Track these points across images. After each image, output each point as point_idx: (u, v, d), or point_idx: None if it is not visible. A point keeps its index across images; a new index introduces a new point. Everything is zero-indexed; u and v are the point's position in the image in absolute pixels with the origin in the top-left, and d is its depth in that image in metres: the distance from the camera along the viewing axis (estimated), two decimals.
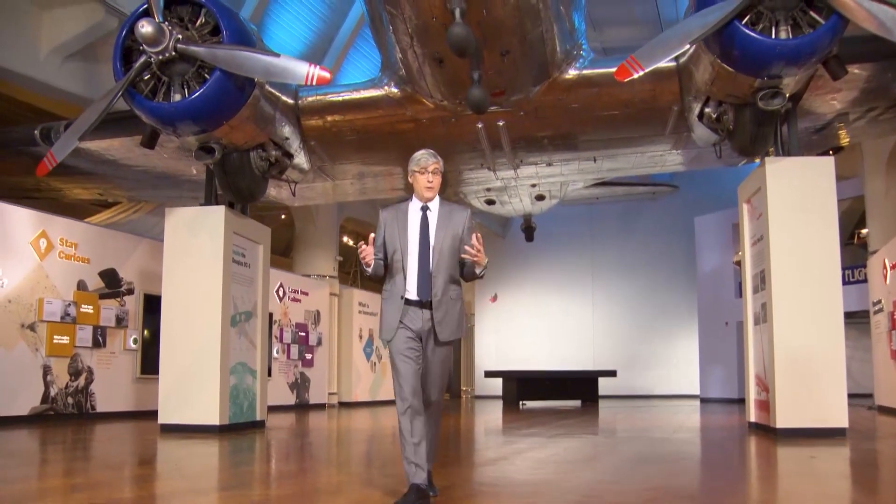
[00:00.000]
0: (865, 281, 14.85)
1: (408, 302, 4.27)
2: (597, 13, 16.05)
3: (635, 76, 7.39)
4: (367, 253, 4.23)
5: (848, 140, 11.00)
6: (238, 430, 9.52)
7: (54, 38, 11.75)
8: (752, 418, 9.30)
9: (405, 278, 4.28)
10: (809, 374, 8.16)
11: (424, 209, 4.39)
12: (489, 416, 14.48)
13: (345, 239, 22.64)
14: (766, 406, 8.76)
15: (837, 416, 8.11)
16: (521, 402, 18.59)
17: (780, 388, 8.24)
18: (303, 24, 15.37)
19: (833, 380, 8.15)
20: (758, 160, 10.70)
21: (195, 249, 9.46)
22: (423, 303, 4.26)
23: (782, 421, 8.17)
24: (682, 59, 8.81)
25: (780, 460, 6.73)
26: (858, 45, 8.15)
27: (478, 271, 4.32)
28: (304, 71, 7.52)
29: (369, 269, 4.32)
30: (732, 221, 20.36)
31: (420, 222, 4.35)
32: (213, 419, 9.09)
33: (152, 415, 10.56)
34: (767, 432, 8.52)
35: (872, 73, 8.79)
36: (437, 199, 4.41)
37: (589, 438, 9.48)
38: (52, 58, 11.83)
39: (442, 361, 4.37)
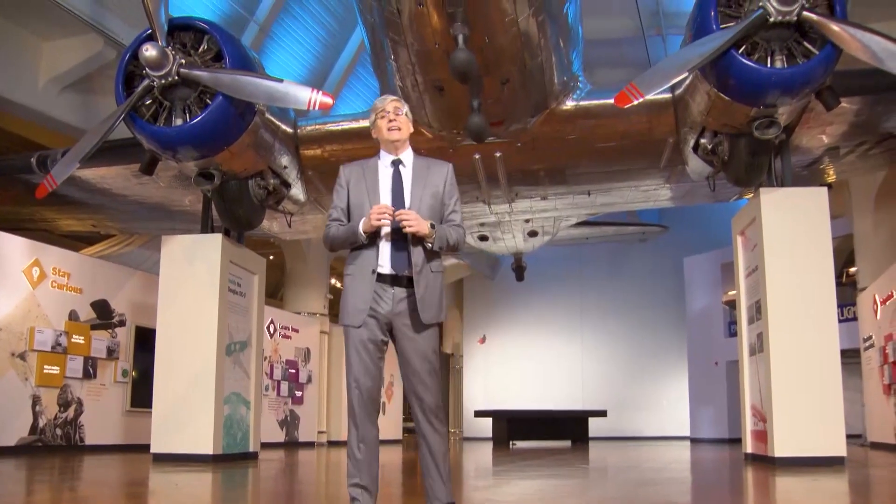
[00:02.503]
0: (854, 319, 14.93)
1: (380, 278, 3.55)
2: (586, 54, 16.33)
3: (635, 102, 7.48)
4: (384, 213, 3.46)
5: (835, 177, 11.18)
6: (231, 460, 9.38)
7: (53, 68, 11.84)
8: (749, 449, 9.25)
9: (377, 248, 3.56)
10: (807, 403, 8.15)
11: (396, 163, 3.70)
12: (480, 453, 14.35)
13: (332, 281, 22.61)
14: (762, 436, 8.73)
15: (836, 444, 8.07)
16: (511, 442, 18.47)
17: (778, 417, 8.21)
18: (298, 61, 15.54)
19: (831, 407, 8.13)
20: (748, 196, 10.87)
21: (191, 277, 9.41)
22: (398, 278, 3.55)
23: (780, 450, 8.12)
24: (678, 91, 8.95)
25: (782, 482, 6.70)
26: (848, 79, 8.33)
27: (428, 244, 3.55)
28: (307, 96, 7.57)
29: (365, 237, 3.54)
30: (721, 261, 20.57)
31: (392, 178, 3.67)
32: (207, 449, 8.95)
33: (142, 448, 10.37)
34: (765, 462, 8.48)
35: (862, 106, 8.96)
36: (409, 152, 3.76)
37: (587, 468, 9.42)
38: (50, 88, 11.90)
39: (426, 351, 3.57)
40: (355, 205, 3.65)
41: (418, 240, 3.54)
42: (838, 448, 8.05)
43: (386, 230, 3.55)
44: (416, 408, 3.58)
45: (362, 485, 3.51)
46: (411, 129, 3.76)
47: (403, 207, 3.58)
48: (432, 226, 3.54)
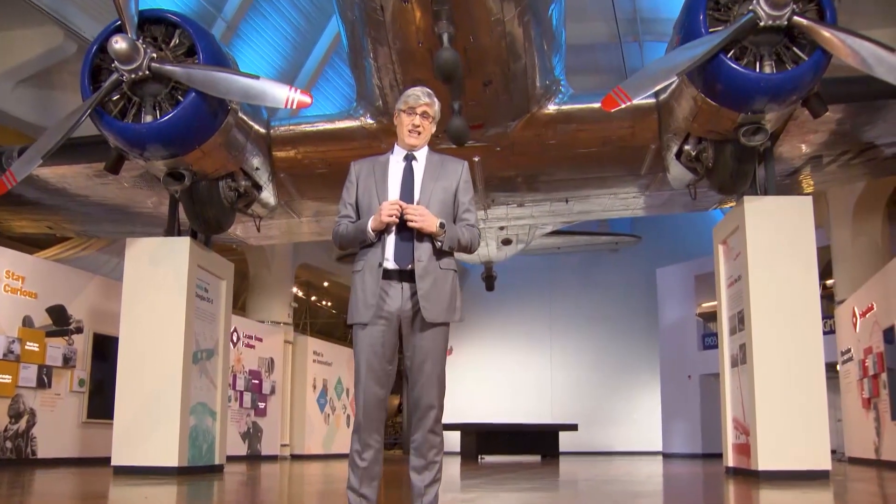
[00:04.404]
0: (832, 332, 15.16)
1: (386, 274, 3.51)
2: None
3: (622, 106, 7.52)
4: (395, 209, 3.43)
5: (815, 187, 11.34)
6: (196, 473, 9.22)
7: (7, 60, 11.59)
8: (730, 463, 9.29)
9: (383, 242, 3.52)
10: (792, 415, 8.20)
11: (409, 158, 3.69)
12: (449, 468, 14.26)
13: (293, 289, 22.46)
14: (745, 449, 8.79)
15: (820, 457, 8.13)
16: (479, 456, 18.42)
17: (762, 430, 8.24)
18: (265, 61, 15.44)
19: (815, 420, 8.20)
20: (730, 204, 10.97)
21: (157, 282, 9.22)
22: (404, 273, 3.51)
23: (764, 463, 8.15)
24: (663, 96, 9.02)
25: (770, 496, 6.73)
26: (833, 87, 8.43)
27: (438, 242, 3.52)
28: (285, 95, 7.47)
29: (374, 236, 3.50)
30: (695, 273, 20.78)
31: (403, 172, 3.65)
32: (172, 461, 8.77)
33: (98, 461, 10.14)
34: (748, 475, 8.51)
35: (845, 115, 9.09)
36: (425, 148, 3.74)
37: (567, 482, 9.41)
38: (4, 82, 11.64)
39: (433, 350, 3.52)
40: (364, 200, 3.65)
41: (424, 234, 3.50)
42: (823, 462, 8.11)
43: (392, 225, 3.52)
44: (417, 412, 3.53)
45: (363, 493, 3.48)
46: (433, 130, 3.74)
47: (412, 202, 3.55)
48: (442, 225, 3.49)
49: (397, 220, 3.47)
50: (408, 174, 3.63)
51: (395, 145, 3.76)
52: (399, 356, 3.61)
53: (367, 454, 3.49)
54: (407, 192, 3.59)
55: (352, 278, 3.61)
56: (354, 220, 3.66)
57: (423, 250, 3.50)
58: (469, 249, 3.66)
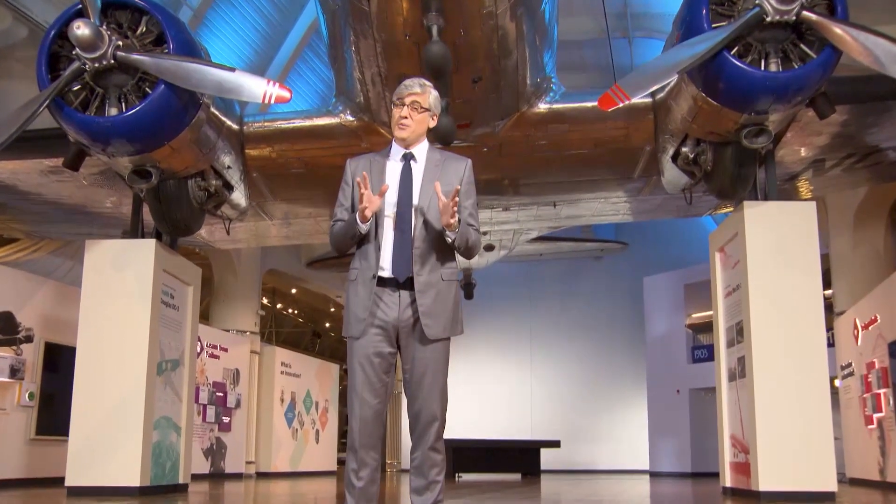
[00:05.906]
0: (831, 345, 15.21)
1: (381, 282, 3.49)
2: None
3: (620, 105, 7.51)
4: (370, 198, 3.39)
5: (815, 193, 11.40)
6: (159, 493, 9.05)
7: None
8: (728, 483, 9.27)
9: (378, 250, 3.51)
10: (794, 432, 8.18)
11: (407, 157, 3.64)
12: None
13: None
14: (744, 469, 8.77)
15: (826, 478, 8.12)
16: (456, 474, 18.40)
17: (763, 448, 8.21)
18: (234, 52, 15.31)
19: (820, 438, 8.19)
20: (725, 210, 11.01)
21: (120, 287, 9.03)
22: (401, 283, 3.49)
23: (766, 483, 8.10)
24: (660, 95, 9.02)
25: None
26: (838, 86, 8.44)
27: (448, 237, 3.49)
28: (262, 89, 7.35)
29: (364, 227, 3.47)
30: (685, 282, 20.87)
31: (401, 174, 3.59)
32: (133, 480, 8.57)
33: (49, 482, 9.87)
34: (748, 497, 8.49)
35: (850, 116, 9.13)
36: (425, 145, 3.70)
37: (552, 502, 9.37)
38: None
39: (434, 362, 3.56)
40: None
41: (423, 242, 3.50)
42: (828, 482, 8.09)
43: (388, 232, 3.50)
44: (417, 427, 3.56)
45: None
46: (431, 124, 3.68)
47: (411, 207, 3.51)
48: (459, 220, 3.47)
49: (370, 198, 3.40)
50: (406, 177, 3.59)
51: (393, 142, 3.73)
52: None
53: (364, 473, 3.48)
54: (405, 196, 3.57)
55: (345, 287, 3.59)
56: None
57: (421, 260, 3.51)
58: (470, 253, 3.65)
